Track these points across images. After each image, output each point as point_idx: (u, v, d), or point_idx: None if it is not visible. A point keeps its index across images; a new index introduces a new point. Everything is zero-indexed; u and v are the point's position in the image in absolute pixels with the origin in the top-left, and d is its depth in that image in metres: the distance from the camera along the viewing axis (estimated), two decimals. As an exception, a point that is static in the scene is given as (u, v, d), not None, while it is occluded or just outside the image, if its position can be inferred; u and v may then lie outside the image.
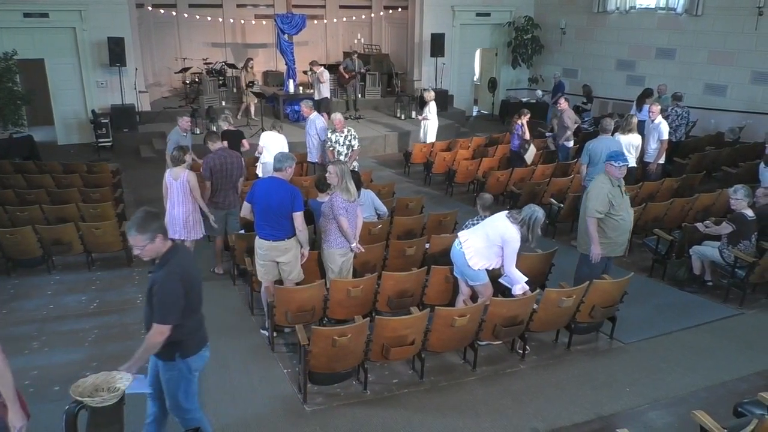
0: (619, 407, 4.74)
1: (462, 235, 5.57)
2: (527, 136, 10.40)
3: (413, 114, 14.84)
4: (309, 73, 14.33)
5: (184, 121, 8.70)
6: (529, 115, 10.45)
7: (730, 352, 5.54)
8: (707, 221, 6.98)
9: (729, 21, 12.95)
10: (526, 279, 5.40)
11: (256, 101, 13.91)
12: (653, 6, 14.64)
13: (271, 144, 8.76)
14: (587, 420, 4.59)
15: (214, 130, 8.22)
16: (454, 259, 5.57)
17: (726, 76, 13.17)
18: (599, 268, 5.92)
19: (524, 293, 5.32)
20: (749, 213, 6.42)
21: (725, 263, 6.50)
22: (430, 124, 12.25)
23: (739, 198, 6.44)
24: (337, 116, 9.11)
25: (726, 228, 6.47)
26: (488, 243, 5.34)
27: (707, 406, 4.05)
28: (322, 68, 13.90)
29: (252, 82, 15.39)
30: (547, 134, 12.04)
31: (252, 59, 14.98)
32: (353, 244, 5.71)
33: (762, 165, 8.43)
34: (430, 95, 12.28)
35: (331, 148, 9.00)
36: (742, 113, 12.74)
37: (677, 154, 10.90)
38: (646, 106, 11.34)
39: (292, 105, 14.39)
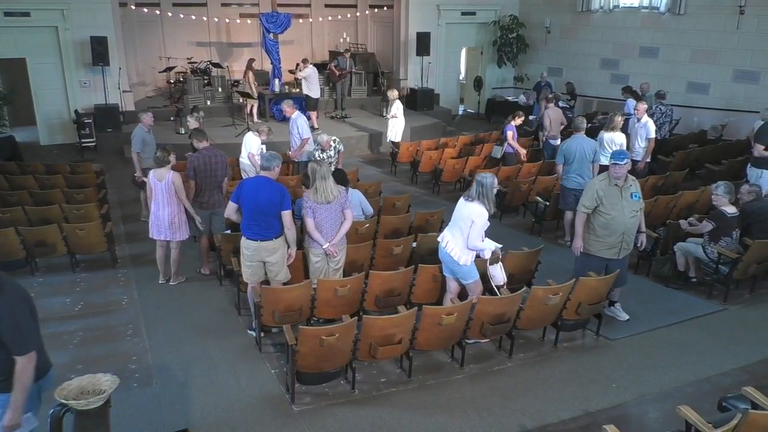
0: (605, 403, 4.77)
1: (442, 238, 5.58)
2: (509, 138, 10.35)
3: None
4: (297, 70, 14.28)
5: (148, 118, 8.60)
6: (523, 117, 10.50)
7: (715, 348, 5.61)
8: (690, 218, 7.04)
9: (711, 20, 13.09)
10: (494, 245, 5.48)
11: (256, 102, 13.85)
12: (637, 5, 14.76)
13: (247, 144, 8.80)
14: (574, 416, 4.62)
15: (199, 127, 8.16)
16: (443, 258, 5.60)
17: (708, 74, 13.32)
18: (593, 267, 5.86)
19: (494, 253, 5.45)
20: (729, 210, 6.49)
21: (709, 260, 6.57)
22: (396, 123, 12.23)
23: (719, 194, 6.51)
24: (323, 137, 8.80)
25: (707, 226, 6.54)
26: (465, 234, 5.36)
27: (692, 401, 4.10)
28: (309, 67, 13.85)
29: (237, 82, 15.34)
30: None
31: (254, 59, 14.82)
32: (325, 245, 5.61)
33: (749, 163, 8.53)
34: (393, 94, 12.28)
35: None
36: (725, 111, 12.89)
37: (661, 151, 10.98)
38: (629, 101, 11.51)
39: (277, 104, 14.33)
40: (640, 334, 5.84)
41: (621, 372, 5.21)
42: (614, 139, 8.48)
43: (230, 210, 5.59)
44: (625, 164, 5.61)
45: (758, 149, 8.23)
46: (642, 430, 4.38)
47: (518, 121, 10.28)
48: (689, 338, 5.80)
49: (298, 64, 14.26)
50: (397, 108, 12.17)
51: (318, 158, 8.63)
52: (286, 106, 9.71)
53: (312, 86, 13.63)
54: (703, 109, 13.39)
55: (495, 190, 5.37)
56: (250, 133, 9.07)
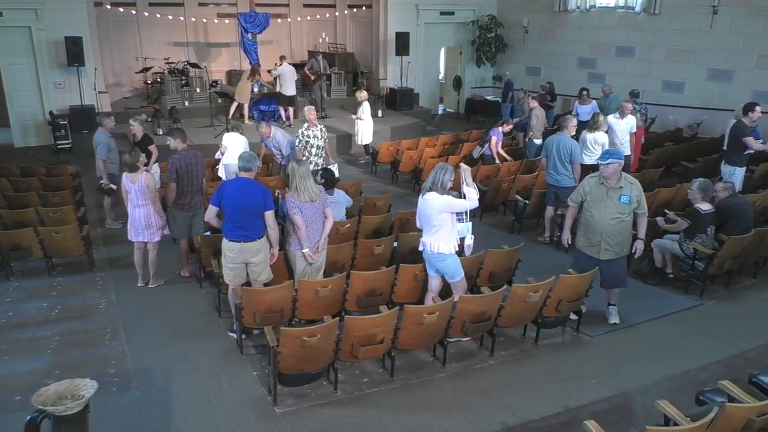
0: (586, 399, 4.82)
1: (422, 244, 5.56)
2: (492, 143, 10.38)
3: (379, 113, 14.84)
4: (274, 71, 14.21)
5: (110, 122, 8.48)
6: (511, 126, 10.54)
7: (692, 342, 5.70)
8: (667, 215, 7.12)
9: (685, 19, 13.30)
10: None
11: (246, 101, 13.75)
12: (613, 5, 14.95)
13: (233, 145, 8.71)
14: (556, 413, 4.66)
15: (179, 126, 8.10)
16: (428, 258, 5.57)
17: (683, 73, 13.52)
18: (584, 264, 5.80)
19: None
20: (704, 207, 6.60)
21: (685, 256, 6.67)
22: (364, 125, 12.22)
23: (693, 190, 6.64)
24: (310, 109, 9.00)
25: (682, 224, 6.64)
26: (441, 225, 5.36)
27: (670, 395, 4.16)
28: (284, 65, 13.78)
29: (215, 82, 15.21)
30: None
31: (259, 65, 14.54)
32: (305, 249, 5.60)
33: (723, 161, 8.67)
34: (362, 95, 12.27)
35: (301, 147, 8.85)
36: (699, 109, 13.10)
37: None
38: (584, 107, 11.78)
39: (257, 105, 14.26)
40: (619, 330, 5.91)
41: (601, 368, 5.27)
42: (597, 138, 8.58)
43: (211, 214, 5.55)
44: (608, 164, 5.52)
45: (752, 143, 8.24)
46: (622, 424, 4.42)
47: (506, 128, 10.35)
48: (667, 334, 5.88)
49: (276, 63, 14.22)
50: (362, 110, 12.13)
51: (303, 137, 8.83)
52: (264, 128, 9.19)
53: (285, 84, 13.52)
54: (679, 108, 13.60)
55: (448, 179, 5.34)
56: (236, 133, 8.95)
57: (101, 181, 8.51)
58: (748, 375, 4.35)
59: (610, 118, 9.39)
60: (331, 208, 5.90)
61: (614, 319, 6.02)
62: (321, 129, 9.10)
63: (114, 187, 8.36)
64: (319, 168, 8.67)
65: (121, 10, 15.59)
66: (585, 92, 12.23)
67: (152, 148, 8.71)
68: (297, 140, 8.93)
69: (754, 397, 3.80)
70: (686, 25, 13.29)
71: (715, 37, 12.84)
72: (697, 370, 5.21)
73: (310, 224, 5.58)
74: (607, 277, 5.87)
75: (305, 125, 9.00)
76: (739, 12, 12.39)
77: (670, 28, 13.62)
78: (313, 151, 8.93)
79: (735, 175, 8.29)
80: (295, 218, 5.53)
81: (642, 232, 5.87)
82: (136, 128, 8.66)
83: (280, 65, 13.75)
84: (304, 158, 8.51)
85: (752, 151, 8.42)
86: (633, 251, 5.88)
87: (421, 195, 5.50)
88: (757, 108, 8.29)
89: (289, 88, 13.64)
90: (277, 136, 9.16)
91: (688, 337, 5.81)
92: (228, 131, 9.73)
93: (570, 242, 6.32)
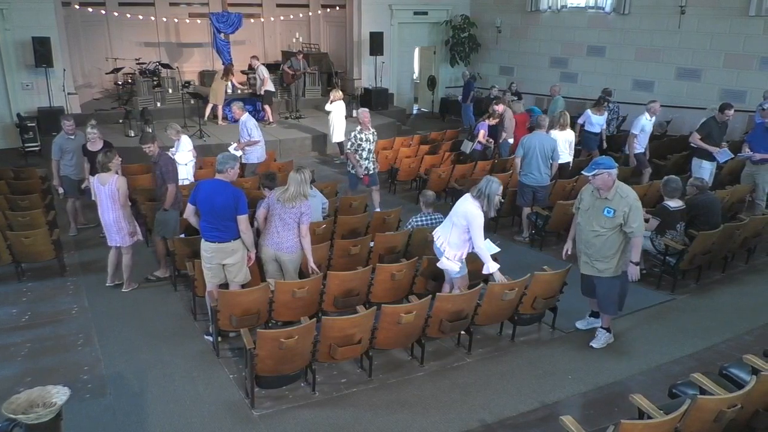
0: (562, 395, 4.89)
1: (435, 233, 5.73)
2: (480, 136, 10.47)
3: (353, 113, 14.81)
4: (249, 70, 14.10)
5: (69, 124, 8.29)
6: (498, 119, 10.63)
7: (664, 337, 5.80)
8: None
9: (654, 19, 13.54)
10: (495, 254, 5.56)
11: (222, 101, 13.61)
12: (583, 5, 15.15)
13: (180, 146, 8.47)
14: (533, 409, 4.71)
15: (149, 131, 7.96)
16: (435, 250, 5.74)
17: (653, 72, 13.77)
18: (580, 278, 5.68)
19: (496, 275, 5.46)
20: (673, 204, 6.72)
21: (656, 251, 6.79)
22: (336, 124, 12.22)
23: (663, 187, 6.77)
24: (364, 111, 8.75)
25: (653, 223, 6.76)
26: (455, 230, 5.48)
27: (644, 389, 4.24)
28: (259, 63, 13.74)
29: (188, 83, 15.03)
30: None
31: (233, 65, 14.36)
32: (252, 251, 5.55)
33: (694, 158, 8.84)
34: (336, 94, 12.27)
35: (353, 149, 8.65)
36: (669, 108, 13.33)
37: (610, 148, 11.29)
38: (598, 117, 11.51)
39: (230, 105, 14.11)
40: (594, 326, 5.97)
41: (576, 363, 5.33)
42: (567, 138, 8.68)
43: (188, 212, 5.52)
44: (594, 175, 5.16)
45: (694, 137, 8.56)
46: (597, 419, 4.48)
47: (492, 121, 10.42)
48: (640, 328, 5.98)
49: (253, 62, 14.10)
50: (333, 107, 12.11)
51: (356, 139, 8.59)
52: (236, 108, 9.53)
53: (269, 81, 13.58)
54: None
55: (497, 197, 5.42)
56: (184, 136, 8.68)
57: (53, 183, 8.37)
58: (718, 368, 4.45)
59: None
60: (307, 222, 5.73)
61: (594, 343, 5.60)
62: (373, 132, 8.84)
63: (61, 190, 8.25)
64: (371, 172, 8.79)
65: (90, 10, 15.31)
66: (605, 101, 10.88)
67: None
68: (349, 143, 8.76)
69: (725, 389, 3.89)
70: (655, 25, 13.54)
71: (683, 37, 13.10)
72: (670, 364, 5.31)
73: (276, 223, 5.56)
74: (585, 291, 5.72)
75: (358, 128, 8.69)
76: (705, 12, 12.66)
77: (640, 28, 13.85)
78: (364, 154, 8.68)
79: (702, 168, 8.48)
80: (259, 210, 5.60)
81: (634, 255, 5.31)
82: (91, 134, 7.93)
83: (259, 64, 13.63)
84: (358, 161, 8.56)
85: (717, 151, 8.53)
86: (630, 276, 5.40)
87: (471, 191, 5.53)
88: (731, 110, 8.48)
89: (271, 85, 13.66)
90: (249, 122, 9.25)
91: (661, 331, 5.92)
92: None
93: (570, 251, 5.80)
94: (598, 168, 5.14)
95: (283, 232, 5.58)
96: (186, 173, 8.40)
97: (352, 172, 8.84)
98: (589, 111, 10.73)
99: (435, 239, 5.71)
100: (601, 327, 5.67)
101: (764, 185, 8.39)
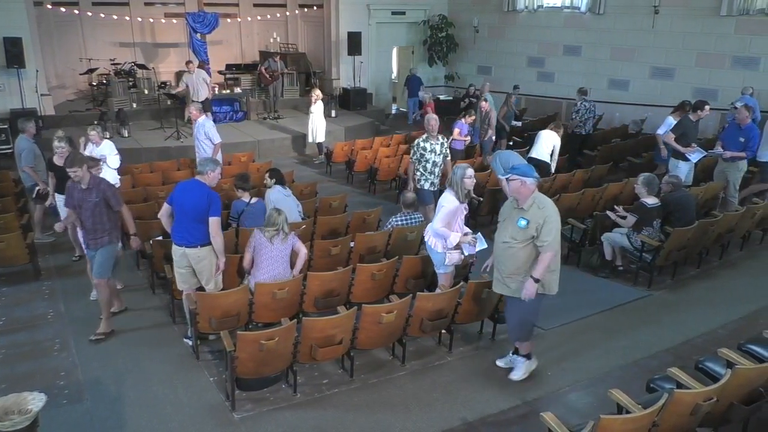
0: (542, 392, 4.93)
1: (425, 232, 5.81)
2: (455, 134, 10.52)
3: (332, 113, 14.81)
4: (185, 74, 13.07)
5: (33, 127, 8.05)
6: (474, 117, 10.67)
7: (641, 332, 5.88)
8: (618, 211, 7.28)
9: (629, 19, 13.74)
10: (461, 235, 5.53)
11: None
12: (559, 5, 15.31)
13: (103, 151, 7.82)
14: (513, 406, 4.74)
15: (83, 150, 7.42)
16: (429, 251, 5.79)
17: (628, 71, 13.98)
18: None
19: (463, 239, 5.49)
20: (650, 201, 6.82)
21: (633, 248, 6.89)
22: (317, 124, 12.20)
23: (639, 185, 6.87)
24: (432, 118, 7.50)
25: (631, 220, 6.85)
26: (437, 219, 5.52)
27: (622, 384, 4.28)
28: (194, 68, 13.30)
29: (164, 83, 14.86)
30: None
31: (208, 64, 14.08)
32: (221, 259, 5.45)
33: (671, 158, 8.94)
34: (316, 94, 12.25)
35: (414, 160, 7.51)
36: (644, 106, 13.55)
37: (586, 146, 11.43)
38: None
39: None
40: (572, 322, 6.04)
41: (555, 360, 5.38)
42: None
43: (163, 211, 5.44)
44: (508, 179, 4.74)
45: (669, 137, 8.64)
46: (577, 414, 4.53)
47: (469, 120, 10.47)
48: (617, 324, 6.05)
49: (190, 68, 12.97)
50: (315, 108, 12.10)
51: (418, 148, 7.43)
52: (194, 109, 9.29)
53: (203, 89, 12.89)
54: (624, 105, 14.05)
55: (467, 181, 5.45)
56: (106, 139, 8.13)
57: (37, 188, 7.90)
58: (695, 362, 4.52)
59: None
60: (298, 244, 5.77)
61: (513, 375, 5.08)
62: (441, 143, 7.50)
63: (50, 190, 8.01)
64: (436, 189, 7.46)
65: (63, 9, 15.04)
66: (702, 108, 8.65)
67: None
68: (411, 152, 7.66)
69: (701, 383, 3.96)
70: (629, 24, 13.74)
71: (657, 37, 13.31)
72: (647, 359, 5.38)
73: (267, 263, 5.55)
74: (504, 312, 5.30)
75: (423, 135, 7.54)
76: (678, 12, 12.88)
77: (615, 28, 14.05)
78: (428, 167, 7.45)
79: (678, 167, 8.58)
80: (245, 253, 5.61)
81: (538, 270, 4.61)
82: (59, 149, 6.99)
83: (195, 68, 12.86)
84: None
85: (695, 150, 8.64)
86: (522, 294, 4.70)
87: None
88: (707, 107, 8.59)
89: (204, 93, 12.91)
90: (207, 124, 9.12)
91: (638, 326, 6.00)
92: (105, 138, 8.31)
93: (489, 268, 5.22)
94: (513, 173, 4.62)
95: (279, 267, 5.61)
96: (114, 178, 7.70)
97: (419, 187, 7.59)
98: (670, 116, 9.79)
99: (426, 240, 5.72)
100: (520, 354, 5.13)
101: (735, 182, 8.56)
